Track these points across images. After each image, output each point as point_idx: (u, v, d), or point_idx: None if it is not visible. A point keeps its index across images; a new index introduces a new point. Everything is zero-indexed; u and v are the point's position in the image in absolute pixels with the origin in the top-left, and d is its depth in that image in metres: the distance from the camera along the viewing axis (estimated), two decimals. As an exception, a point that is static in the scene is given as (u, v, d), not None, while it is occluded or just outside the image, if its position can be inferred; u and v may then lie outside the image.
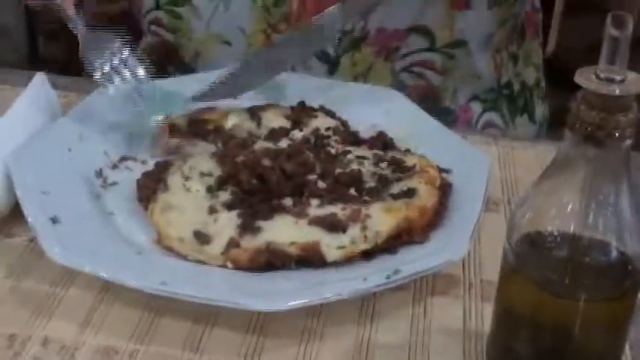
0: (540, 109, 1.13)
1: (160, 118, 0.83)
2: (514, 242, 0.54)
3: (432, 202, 0.71)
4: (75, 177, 0.74)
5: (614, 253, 0.52)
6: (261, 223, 0.67)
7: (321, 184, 0.72)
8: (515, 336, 0.56)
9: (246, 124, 0.83)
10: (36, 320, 0.63)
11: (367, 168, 0.75)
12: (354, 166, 0.75)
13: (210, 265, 0.67)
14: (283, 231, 0.67)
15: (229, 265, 0.66)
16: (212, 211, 0.69)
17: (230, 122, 0.83)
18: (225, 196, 0.71)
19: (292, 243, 0.66)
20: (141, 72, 0.82)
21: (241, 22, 0.97)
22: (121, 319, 0.64)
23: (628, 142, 0.50)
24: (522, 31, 1.07)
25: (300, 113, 0.84)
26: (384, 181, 0.73)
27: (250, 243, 0.66)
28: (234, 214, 0.69)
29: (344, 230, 0.67)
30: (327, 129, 0.82)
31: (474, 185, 0.73)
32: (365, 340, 0.63)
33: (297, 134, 0.81)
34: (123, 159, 0.80)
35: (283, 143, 0.78)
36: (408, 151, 0.80)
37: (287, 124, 0.82)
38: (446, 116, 1.01)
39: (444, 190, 0.74)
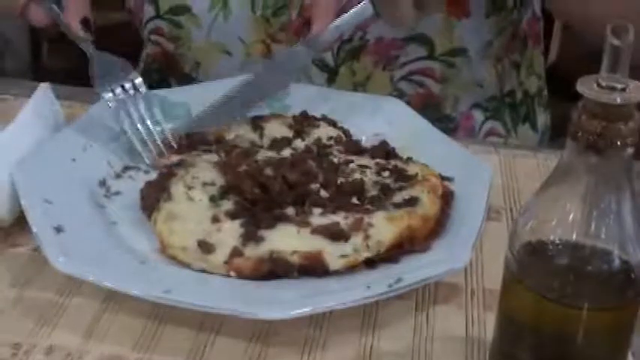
0: (542, 118, 1.13)
1: (162, 128, 0.83)
2: (516, 251, 0.54)
3: (434, 210, 0.71)
4: (79, 187, 0.75)
5: (617, 262, 0.52)
6: (263, 233, 0.68)
7: (324, 193, 0.72)
8: (517, 344, 0.56)
9: (248, 135, 0.83)
10: (40, 329, 0.64)
11: (369, 177, 0.75)
12: (357, 175, 0.75)
13: (213, 274, 0.67)
14: (286, 240, 0.67)
15: (232, 274, 0.66)
16: (215, 220, 0.70)
17: (232, 133, 0.83)
18: (228, 205, 0.71)
19: (295, 252, 0.66)
20: (152, 100, 0.83)
21: (241, 32, 0.98)
22: (125, 327, 0.64)
23: (630, 150, 0.50)
24: (524, 40, 1.07)
25: (303, 123, 0.84)
26: (386, 190, 0.74)
27: (253, 252, 0.67)
28: (237, 223, 0.69)
29: (346, 239, 0.67)
30: (330, 138, 0.83)
31: (476, 194, 0.74)
32: (368, 349, 0.63)
33: (300, 144, 0.81)
34: (126, 169, 0.80)
35: (286, 153, 0.79)
36: (410, 159, 0.80)
37: (290, 134, 0.83)
38: (447, 124, 1.01)
39: (446, 198, 0.74)
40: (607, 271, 0.53)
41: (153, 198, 0.74)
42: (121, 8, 1.10)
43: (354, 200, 0.72)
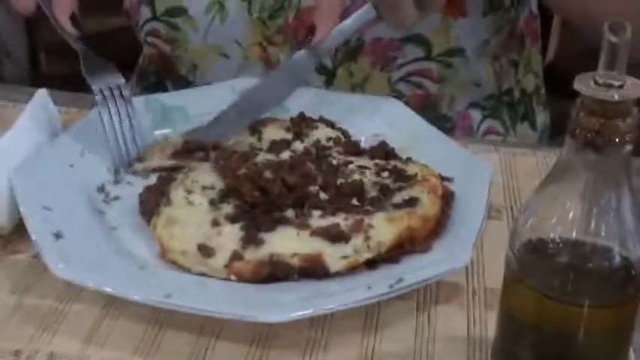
0: (541, 117, 1.13)
1: (160, 133, 0.83)
2: (516, 249, 0.54)
3: (434, 210, 0.71)
4: (77, 192, 0.75)
5: (617, 259, 0.52)
6: (263, 235, 0.68)
7: (323, 195, 0.72)
8: (519, 343, 0.56)
9: (247, 139, 0.83)
10: (41, 336, 0.63)
11: (369, 178, 0.75)
12: (356, 177, 0.75)
13: (213, 277, 0.67)
14: (286, 242, 0.67)
15: (233, 277, 0.66)
16: (215, 224, 0.70)
17: (231, 139, 0.83)
18: (227, 208, 0.71)
19: (295, 254, 0.66)
20: (131, 104, 0.82)
21: (237, 34, 0.98)
22: (126, 333, 0.64)
23: (628, 147, 0.50)
24: (521, 38, 1.07)
25: (301, 125, 0.84)
26: (385, 191, 0.74)
27: (253, 255, 0.67)
28: (236, 226, 0.69)
29: (347, 240, 0.67)
30: (329, 139, 0.82)
31: (476, 193, 0.74)
32: (369, 350, 0.63)
33: (299, 146, 0.81)
34: (125, 174, 0.80)
35: (285, 155, 0.79)
36: (409, 160, 0.80)
37: (288, 136, 0.83)
38: (443, 123, 1.01)
39: (446, 198, 0.74)
40: (607, 268, 0.53)
41: (152, 202, 0.74)
42: (118, 13, 1.10)
43: (354, 201, 0.72)
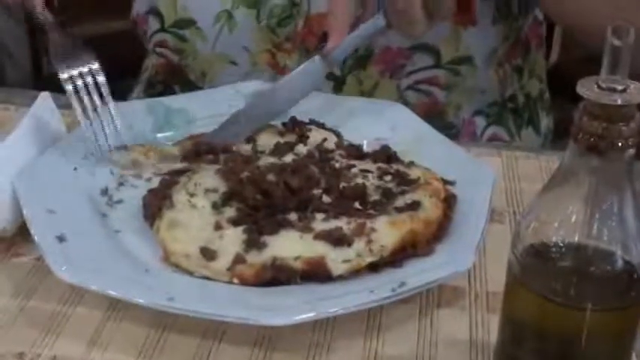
0: (545, 121, 1.13)
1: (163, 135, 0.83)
2: (519, 253, 0.54)
3: (437, 214, 0.71)
4: (81, 195, 0.75)
5: (620, 263, 0.52)
6: (266, 239, 0.68)
7: (326, 199, 0.72)
8: (521, 347, 0.56)
9: (243, 147, 0.83)
10: (44, 339, 0.64)
11: (371, 181, 0.75)
12: (359, 180, 0.75)
13: (216, 281, 0.67)
14: (289, 246, 0.67)
15: (235, 280, 0.66)
16: (218, 227, 0.70)
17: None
18: (230, 212, 0.71)
19: (298, 258, 0.66)
20: (106, 89, 0.81)
21: (246, 42, 0.98)
22: (129, 336, 0.64)
23: (631, 151, 0.50)
24: (527, 44, 1.07)
25: (294, 129, 0.84)
26: (388, 195, 0.74)
27: (256, 258, 0.67)
28: (239, 229, 0.69)
29: (349, 244, 0.67)
30: (324, 140, 0.82)
31: (479, 197, 0.74)
32: (372, 353, 0.63)
33: (302, 149, 0.81)
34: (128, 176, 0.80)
35: (287, 158, 0.79)
36: (412, 163, 0.80)
37: (282, 141, 0.83)
38: (449, 130, 1.01)
39: (449, 202, 0.74)
40: (610, 272, 0.53)
41: (155, 206, 0.74)
42: (121, 17, 1.11)
43: (357, 205, 0.72)
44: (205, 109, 0.88)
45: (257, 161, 0.78)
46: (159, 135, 0.86)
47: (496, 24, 0.99)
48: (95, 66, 0.81)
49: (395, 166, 0.78)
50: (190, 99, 0.90)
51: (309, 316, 0.62)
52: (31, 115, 0.81)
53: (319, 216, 0.70)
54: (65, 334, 0.64)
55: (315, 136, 0.83)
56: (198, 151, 0.81)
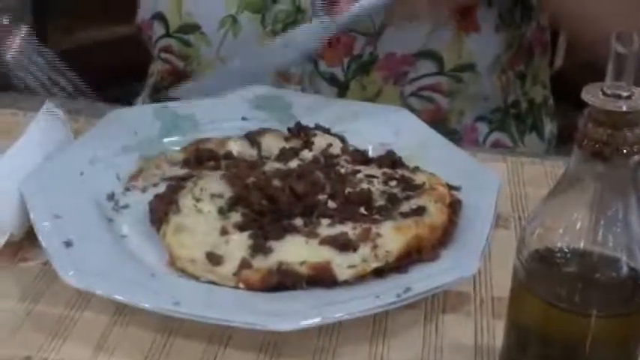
0: (549, 127, 1.13)
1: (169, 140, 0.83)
2: (524, 259, 0.54)
3: (442, 219, 0.71)
4: (87, 201, 0.75)
5: (624, 269, 0.52)
6: (272, 244, 0.68)
7: (332, 204, 0.73)
8: (526, 352, 0.56)
9: (247, 151, 0.83)
10: (51, 343, 0.64)
11: (377, 187, 0.75)
12: (364, 186, 0.75)
13: (222, 285, 0.67)
14: (294, 251, 0.67)
15: (241, 285, 0.66)
16: (224, 232, 0.70)
17: (234, 150, 0.83)
18: (236, 217, 0.71)
19: (303, 263, 0.66)
20: (42, 59, 0.81)
21: (250, 47, 0.98)
22: (135, 340, 0.64)
23: (636, 157, 0.50)
24: (530, 50, 1.07)
25: (300, 134, 0.84)
26: (393, 200, 0.74)
27: (262, 263, 0.67)
28: (245, 235, 0.69)
29: (355, 249, 0.67)
30: (329, 145, 0.83)
31: (484, 202, 0.74)
32: (378, 359, 0.63)
33: (307, 154, 0.81)
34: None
35: (293, 164, 0.79)
36: (417, 169, 0.80)
37: (287, 145, 0.83)
38: (451, 137, 1.01)
39: (454, 207, 0.74)
40: (615, 279, 0.53)
41: (161, 211, 0.74)
42: (127, 22, 1.11)
43: (362, 210, 0.73)
44: (211, 115, 0.88)
45: (262, 167, 0.78)
46: (165, 140, 0.86)
47: (499, 31, 0.99)
48: (26, 30, 0.81)
49: (400, 172, 0.79)
50: (196, 104, 0.90)
51: (314, 321, 0.62)
52: (38, 121, 0.82)
53: (325, 221, 0.70)
54: (72, 339, 0.64)
55: (320, 141, 0.83)
56: (200, 157, 0.82)
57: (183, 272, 0.68)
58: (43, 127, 0.81)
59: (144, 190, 0.79)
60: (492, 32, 0.99)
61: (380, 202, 0.74)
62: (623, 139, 0.49)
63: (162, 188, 0.78)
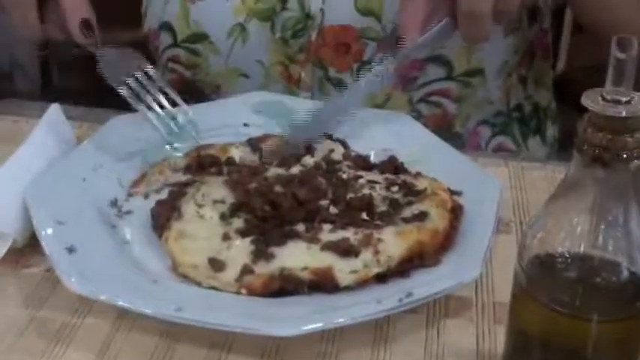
0: (551, 131, 1.13)
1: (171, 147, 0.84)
2: (525, 263, 0.54)
3: (444, 224, 0.71)
4: (90, 207, 0.75)
5: (625, 273, 0.52)
6: (274, 250, 0.68)
7: (333, 210, 0.73)
8: (528, 357, 0.56)
9: (249, 157, 0.83)
10: (54, 349, 0.64)
11: (378, 192, 0.76)
12: (366, 191, 0.75)
13: (224, 291, 0.67)
14: (296, 256, 0.67)
15: (243, 291, 0.67)
16: (226, 238, 0.70)
17: (236, 156, 0.83)
18: (238, 223, 0.72)
19: (305, 268, 0.67)
20: (166, 87, 0.83)
21: (259, 55, 0.98)
22: (138, 346, 0.64)
23: (636, 162, 0.50)
24: (532, 54, 1.07)
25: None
26: (395, 205, 0.74)
27: (264, 269, 0.67)
28: (247, 240, 0.69)
29: (356, 255, 0.67)
30: (331, 150, 0.83)
31: (485, 207, 0.74)
32: (379, 364, 0.64)
33: (309, 160, 0.81)
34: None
35: (295, 169, 0.79)
36: (419, 174, 0.80)
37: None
38: (454, 140, 1.01)
39: (456, 212, 0.74)
40: (616, 283, 0.53)
41: (164, 217, 0.74)
42: (133, 28, 1.11)
43: (364, 216, 0.73)
44: (214, 121, 0.88)
45: (264, 172, 0.78)
46: (167, 146, 0.86)
47: (507, 36, 0.99)
48: (149, 68, 0.83)
49: (402, 177, 0.79)
50: (199, 110, 0.90)
51: (316, 326, 0.62)
52: (41, 127, 0.82)
53: (326, 227, 0.70)
54: (74, 345, 0.65)
55: (322, 147, 0.84)
56: (202, 163, 0.82)
57: (185, 278, 0.69)
58: (45, 134, 0.82)
59: (146, 196, 0.79)
60: (501, 37, 0.99)
61: (382, 207, 0.74)
62: (623, 144, 0.49)
63: (164, 194, 0.78)
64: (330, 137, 0.85)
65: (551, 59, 1.14)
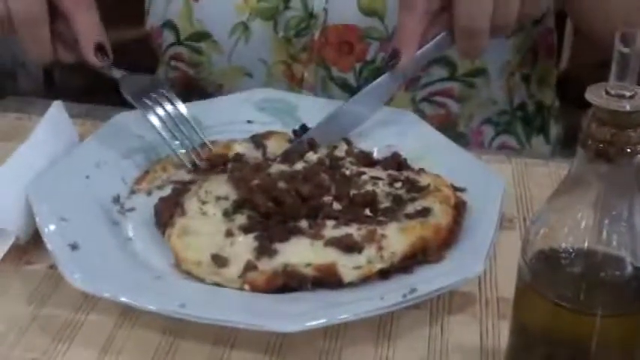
0: (555, 129, 1.13)
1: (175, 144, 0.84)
2: (528, 259, 0.54)
3: (447, 221, 0.71)
4: (93, 204, 0.75)
5: (629, 269, 0.52)
6: (277, 246, 0.68)
7: (337, 206, 0.73)
8: (532, 353, 0.56)
9: (252, 153, 0.83)
10: (57, 346, 0.64)
11: (382, 188, 0.76)
12: (369, 187, 0.75)
13: (227, 287, 0.67)
14: (300, 253, 0.67)
15: (247, 287, 0.67)
16: (229, 234, 0.70)
17: (237, 152, 0.83)
18: (241, 219, 0.72)
19: (309, 264, 0.67)
20: (179, 103, 0.84)
21: (262, 53, 0.98)
22: (141, 343, 0.65)
23: (639, 157, 0.50)
24: (535, 53, 1.07)
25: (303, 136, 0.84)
26: (398, 201, 0.74)
27: (267, 265, 0.67)
28: (250, 237, 0.69)
29: (360, 251, 0.67)
30: (335, 147, 0.83)
31: (489, 203, 0.74)
32: (383, 360, 0.64)
33: (312, 156, 0.81)
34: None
35: (298, 166, 0.79)
36: (422, 170, 0.80)
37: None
38: (457, 140, 1.01)
39: (459, 208, 0.74)
40: (620, 278, 0.53)
41: (167, 213, 0.74)
42: (136, 25, 1.10)
43: (367, 212, 0.73)
44: (216, 118, 0.88)
45: (268, 169, 0.78)
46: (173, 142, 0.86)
47: (511, 36, 0.99)
48: (171, 94, 0.84)
49: (405, 173, 0.79)
50: (201, 107, 0.90)
51: (320, 322, 0.62)
52: (43, 124, 0.82)
53: (330, 223, 0.70)
54: (78, 341, 0.65)
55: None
56: (212, 164, 0.82)
57: (188, 274, 0.69)
58: (48, 131, 0.82)
59: (149, 192, 0.79)
60: (504, 38, 0.99)
61: (385, 203, 0.74)
62: (627, 138, 0.49)
63: (167, 191, 0.78)
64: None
65: (555, 58, 1.14)
